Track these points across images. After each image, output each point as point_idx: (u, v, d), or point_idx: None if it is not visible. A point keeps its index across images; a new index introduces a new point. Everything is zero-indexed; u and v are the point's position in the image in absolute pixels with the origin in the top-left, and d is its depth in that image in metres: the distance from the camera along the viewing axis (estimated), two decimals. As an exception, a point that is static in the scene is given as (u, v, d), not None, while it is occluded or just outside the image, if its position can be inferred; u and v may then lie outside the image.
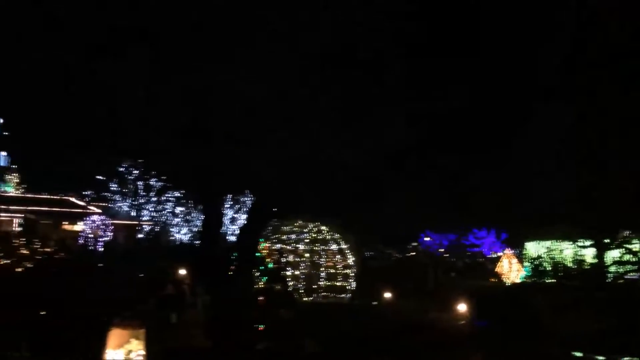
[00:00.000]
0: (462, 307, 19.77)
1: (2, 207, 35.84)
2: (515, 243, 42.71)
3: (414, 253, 53.26)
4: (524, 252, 37.05)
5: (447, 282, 34.71)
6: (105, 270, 16.62)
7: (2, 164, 70.29)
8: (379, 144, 12.34)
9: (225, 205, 47.56)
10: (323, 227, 31.09)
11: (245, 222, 15.56)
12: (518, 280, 33.04)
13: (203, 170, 12.63)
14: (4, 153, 74.14)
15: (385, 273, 33.82)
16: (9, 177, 54.84)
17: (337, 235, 30.80)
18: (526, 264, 33.11)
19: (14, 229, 33.43)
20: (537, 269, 30.85)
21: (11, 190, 51.24)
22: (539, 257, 31.61)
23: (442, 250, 55.84)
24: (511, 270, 34.65)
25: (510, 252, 37.74)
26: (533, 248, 36.21)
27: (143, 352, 11.87)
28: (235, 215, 50.65)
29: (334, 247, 30.65)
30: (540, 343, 14.05)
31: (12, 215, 35.58)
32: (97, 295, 11.56)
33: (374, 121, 12.01)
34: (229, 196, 47.39)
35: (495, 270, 35.62)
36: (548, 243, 34.42)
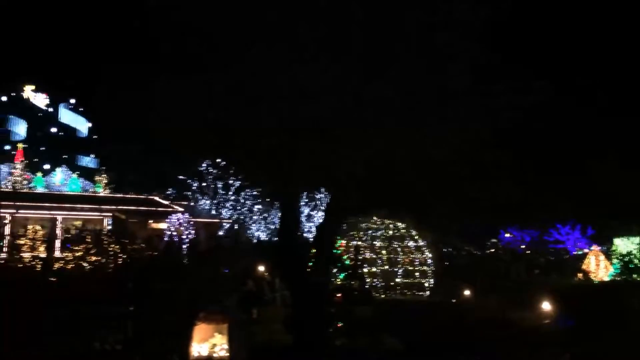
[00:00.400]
0: (546, 306, 19.13)
1: (94, 206, 37.81)
2: (602, 239, 40.83)
3: (493, 250, 51.91)
4: (613, 249, 35.38)
5: (530, 279, 33.67)
6: (189, 266, 17.29)
7: (92, 166, 74.44)
8: (462, 140, 12.06)
9: (301, 203, 48.19)
10: (399, 224, 30.92)
11: (322, 219, 15.70)
12: (607, 278, 31.56)
13: (282, 168, 12.80)
14: (92, 156, 78.46)
15: (465, 270, 33.21)
16: (99, 178, 57.88)
17: (413, 232, 30.54)
18: (615, 261, 31.59)
19: (104, 227, 35.20)
20: (627, 266, 29.39)
21: (100, 191, 54.07)
22: (629, 253, 30.09)
23: (524, 246, 54.07)
24: (599, 267, 33.12)
25: (598, 248, 36.11)
26: (622, 244, 34.50)
27: (227, 346, 12.28)
28: (312, 213, 51.20)
29: (411, 243, 30.41)
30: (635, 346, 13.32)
31: (103, 214, 37.47)
32: (183, 291, 12.05)
33: (457, 115, 11.74)
34: (305, 193, 48.00)
35: (582, 267, 34.14)
36: (638, 239, 32.70)
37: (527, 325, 17.78)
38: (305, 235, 39.94)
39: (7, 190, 40.67)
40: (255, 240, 45.77)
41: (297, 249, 15.31)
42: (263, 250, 28.31)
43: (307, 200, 49.85)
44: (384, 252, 30.09)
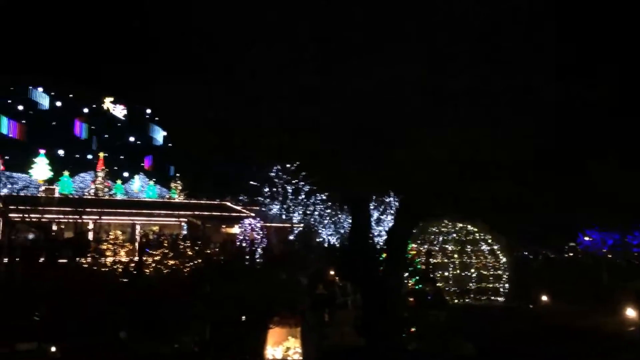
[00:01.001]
0: (631, 312, 18.22)
1: (170, 212, 39.07)
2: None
3: (572, 254, 49.83)
4: None
5: (612, 284, 32.12)
6: (263, 271, 17.60)
7: (170, 174, 77.11)
8: (532, 143, 11.78)
9: (370, 206, 48.08)
10: (472, 228, 30.26)
11: (392, 223, 15.59)
12: (698, 283, 29.64)
13: (353, 173, 12.86)
14: (161, 163, 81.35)
15: (542, 275, 32.06)
16: (174, 184, 59.95)
17: (487, 236, 29.81)
18: None
19: (180, 232, 36.29)
20: None
21: (176, 197, 55.96)
22: None
23: (605, 250, 51.59)
24: (689, 271, 31.18)
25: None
26: None
27: (300, 350, 12.43)
28: (381, 217, 51.00)
29: (484, 247, 29.70)
30: None
31: (179, 220, 38.64)
32: (257, 296, 12.28)
33: (526, 119, 11.49)
34: (373, 197, 47.87)
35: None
36: None
37: (610, 332, 16.99)
38: (375, 239, 39.76)
39: (90, 197, 42.71)
40: (325, 245, 46.00)
41: (368, 252, 15.30)
42: (334, 254, 28.41)
43: (376, 204, 49.65)
44: (456, 256, 29.54)
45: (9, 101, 73.04)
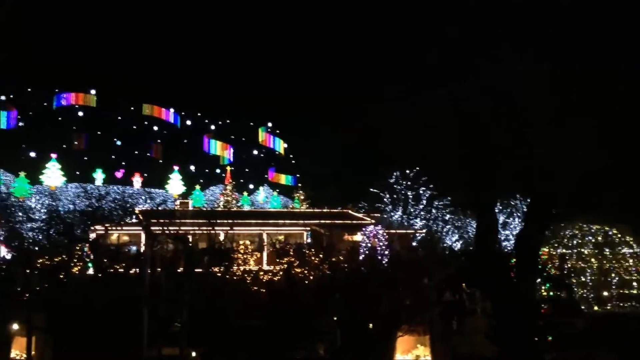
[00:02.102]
0: None
1: (294, 221, 40.09)
2: None
3: None
4: None
5: None
6: (389, 278, 17.57)
7: (292, 184, 79.41)
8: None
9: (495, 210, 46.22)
10: (611, 230, 28.22)
11: (520, 227, 14.93)
12: None
13: (481, 176, 12.53)
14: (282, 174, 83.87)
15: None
16: (297, 194, 61.67)
17: (628, 238, 27.67)
18: None
19: (304, 240, 37.10)
20: None
21: (299, 206, 57.49)
22: None
23: None
24: None
25: None
26: None
27: (429, 358, 12.28)
28: (508, 220, 48.98)
29: (625, 250, 27.61)
30: None
31: (303, 228, 39.54)
32: (386, 303, 12.29)
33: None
34: (499, 200, 46.13)
35: None
36: None
37: None
38: (502, 243, 38.25)
39: (220, 209, 44.93)
40: (449, 251, 44.98)
41: (496, 258, 14.79)
42: (460, 261, 27.72)
43: (501, 207, 47.77)
44: (593, 260, 27.69)
45: (145, 122, 79.11)
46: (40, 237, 40.48)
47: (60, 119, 71.39)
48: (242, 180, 69.77)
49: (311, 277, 24.75)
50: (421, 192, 50.58)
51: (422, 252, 29.12)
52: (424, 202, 50.95)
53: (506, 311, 13.88)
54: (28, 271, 21.09)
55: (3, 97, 65.47)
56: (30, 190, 55.23)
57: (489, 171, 12.29)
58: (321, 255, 28.15)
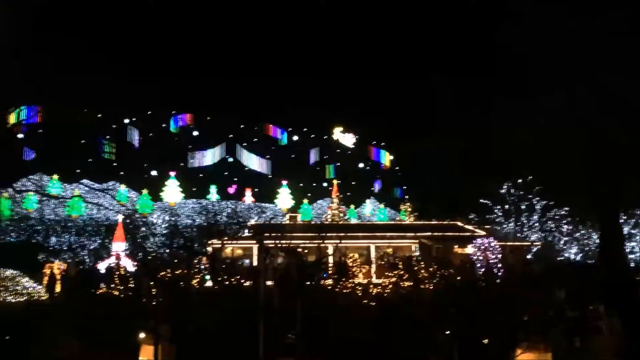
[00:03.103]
0: None
1: (402, 234, 39.77)
2: None
3: None
4: None
5: None
6: (504, 293, 16.96)
7: (398, 196, 78.89)
8: None
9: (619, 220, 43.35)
10: None
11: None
12: None
13: (604, 184, 11.84)
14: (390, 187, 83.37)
15: None
16: (403, 206, 61.16)
17: None
18: None
19: (413, 253, 36.67)
20: None
21: (406, 219, 56.95)
22: None
23: None
24: None
25: None
26: None
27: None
28: (633, 231, 45.70)
29: None
30: None
31: (410, 241, 39.12)
32: (504, 318, 11.85)
33: None
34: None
35: None
36: None
37: None
38: (627, 256, 35.67)
39: (328, 223, 45.54)
40: (569, 264, 42.57)
41: (623, 271, 13.83)
42: (580, 275, 26.15)
43: (625, 217, 44.60)
44: None
45: (254, 139, 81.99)
46: (161, 251, 43.09)
47: (177, 139, 75.76)
48: (348, 194, 70.26)
49: (421, 291, 24.40)
50: (534, 202, 48.44)
51: (539, 266, 27.77)
52: (539, 212, 48.71)
53: (638, 330, 12.93)
54: (152, 283, 22.51)
55: (127, 120, 70.49)
56: (152, 207, 58.97)
57: (614, 179, 11.58)
58: (431, 269, 27.67)
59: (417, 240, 39.00)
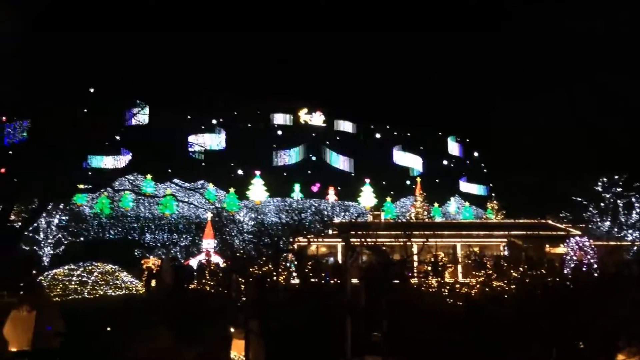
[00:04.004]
0: None
1: (489, 232, 38.83)
2: None
3: None
4: None
5: None
6: (600, 295, 16.12)
7: (484, 194, 76.95)
8: None
9: None
10: None
11: None
12: None
13: None
14: (478, 184, 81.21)
15: None
16: (490, 204, 59.60)
17: None
18: None
19: (501, 252, 35.75)
20: None
21: (492, 217, 55.44)
22: None
23: None
24: None
25: None
26: None
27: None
28: None
29: None
30: None
31: (498, 240, 38.12)
32: (598, 321, 11.29)
33: None
34: None
35: None
36: None
37: None
38: None
39: (413, 221, 45.16)
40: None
41: None
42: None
43: None
44: None
45: (337, 138, 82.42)
46: (248, 248, 44.28)
47: (260, 138, 77.50)
48: (432, 192, 69.31)
49: (511, 292, 23.66)
50: (634, 200, 45.81)
51: (638, 267, 26.21)
52: (639, 211, 46.06)
53: None
54: (241, 279, 23.16)
55: (214, 121, 72.88)
56: (239, 205, 60.69)
57: None
58: (521, 268, 26.77)
59: (506, 239, 37.98)
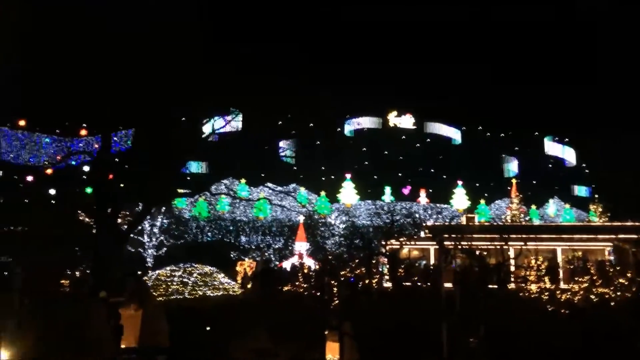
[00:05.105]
0: None
1: (592, 236, 36.80)
2: None
3: None
4: None
5: None
6: None
7: (586, 196, 73.10)
8: None
9: None
10: None
11: None
12: None
13: None
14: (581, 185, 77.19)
15: None
16: (593, 207, 56.49)
17: None
18: None
19: (605, 257, 33.80)
20: None
21: (596, 219, 52.48)
22: None
23: None
24: None
25: None
26: None
27: None
28: None
29: None
30: None
31: (603, 244, 36.06)
32: None
33: None
34: None
35: None
36: None
37: None
38: None
39: (509, 224, 43.64)
40: None
41: None
42: None
43: None
44: None
45: (427, 140, 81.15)
46: (339, 251, 44.59)
47: (351, 142, 77.86)
48: (529, 193, 66.60)
49: (619, 298, 22.37)
50: None
51: None
52: None
53: None
54: (334, 282, 23.37)
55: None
56: (330, 208, 61.21)
57: None
58: (629, 274, 25.21)
59: (612, 243, 35.87)
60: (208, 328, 17.74)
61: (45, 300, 13.92)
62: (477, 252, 23.62)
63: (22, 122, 68.05)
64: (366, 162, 73.36)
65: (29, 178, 44.42)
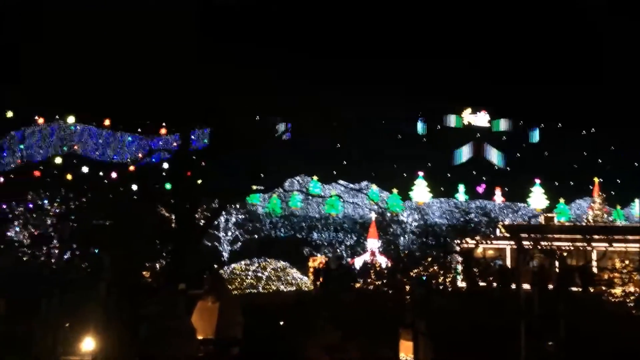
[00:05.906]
0: None
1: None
2: None
3: None
4: None
5: None
6: None
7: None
8: None
9: None
10: None
11: None
12: None
13: None
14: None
15: None
16: None
17: None
18: None
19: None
20: None
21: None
22: None
23: None
24: None
25: None
26: None
27: None
28: None
29: None
30: None
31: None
32: None
33: None
34: None
35: None
36: None
37: None
38: None
39: (592, 224, 41.89)
40: None
41: None
42: None
43: None
44: None
45: (503, 138, 79.07)
46: (411, 249, 44.12)
47: (424, 140, 77.00)
48: (613, 192, 63.53)
49: None
50: None
51: None
52: None
53: None
54: (406, 280, 23.10)
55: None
56: (402, 206, 60.68)
57: None
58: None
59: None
60: (282, 323, 18.00)
61: (131, 291, 14.57)
62: (560, 253, 22.75)
63: (107, 122, 71.71)
64: (439, 160, 72.31)
65: (113, 175, 46.52)
